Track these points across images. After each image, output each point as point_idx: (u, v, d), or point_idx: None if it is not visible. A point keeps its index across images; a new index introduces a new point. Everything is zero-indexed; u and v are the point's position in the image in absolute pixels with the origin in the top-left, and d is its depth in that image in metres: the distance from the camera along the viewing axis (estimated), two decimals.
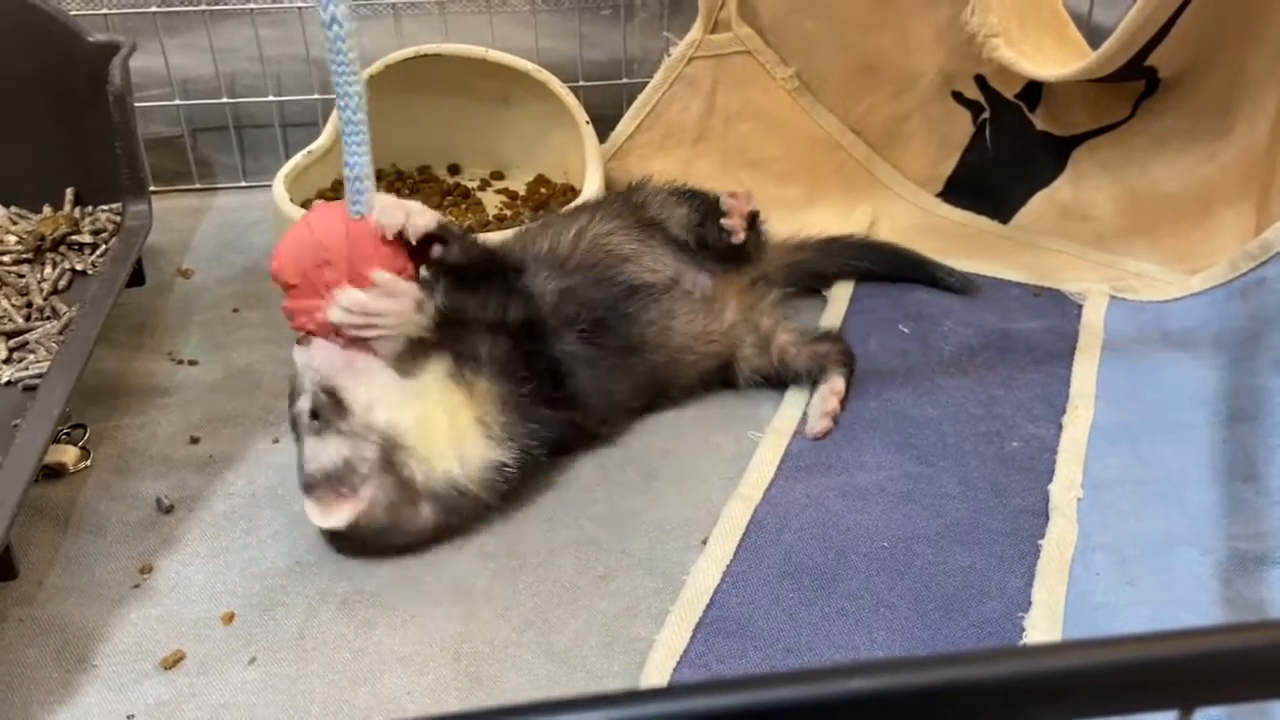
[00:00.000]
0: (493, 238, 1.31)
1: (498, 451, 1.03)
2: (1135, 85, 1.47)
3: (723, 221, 1.23)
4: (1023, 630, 0.94)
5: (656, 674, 0.90)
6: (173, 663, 0.92)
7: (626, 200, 1.32)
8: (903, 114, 1.66)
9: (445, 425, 1.01)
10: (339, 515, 0.95)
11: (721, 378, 1.26)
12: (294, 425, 1.02)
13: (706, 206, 1.28)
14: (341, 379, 0.98)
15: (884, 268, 1.45)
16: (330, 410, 0.97)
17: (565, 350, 1.10)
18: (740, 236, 1.23)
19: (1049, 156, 1.58)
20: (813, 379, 1.23)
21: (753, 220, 1.27)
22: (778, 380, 1.24)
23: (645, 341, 1.17)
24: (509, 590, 1.00)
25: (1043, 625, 0.93)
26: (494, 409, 1.03)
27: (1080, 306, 1.39)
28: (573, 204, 1.40)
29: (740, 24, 1.62)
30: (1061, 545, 1.02)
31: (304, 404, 0.99)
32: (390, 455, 0.98)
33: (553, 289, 1.13)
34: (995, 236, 1.58)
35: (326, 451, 0.97)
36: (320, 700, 0.89)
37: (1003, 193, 1.61)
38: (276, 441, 1.19)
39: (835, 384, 1.20)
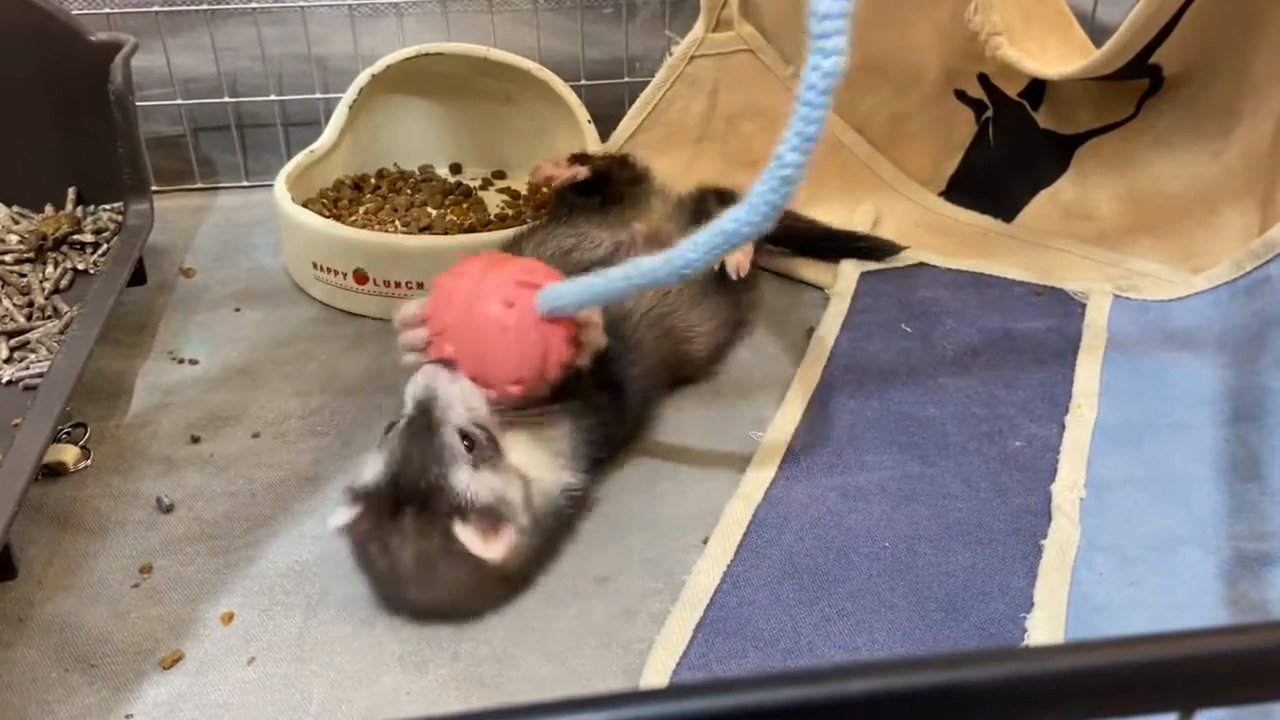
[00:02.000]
0: (492, 238, 1.33)
1: (571, 476, 1.05)
2: (1139, 84, 1.47)
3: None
4: (1025, 631, 0.93)
5: (656, 675, 0.89)
6: (172, 662, 0.92)
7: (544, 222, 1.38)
8: (905, 113, 1.65)
9: (544, 459, 1.04)
10: (497, 548, 0.94)
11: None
12: (393, 430, 0.99)
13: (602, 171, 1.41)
14: (489, 420, 0.99)
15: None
16: (486, 447, 0.97)
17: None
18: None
19: (1052, 155, 1.57)
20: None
21: (621, 163, 1.43)
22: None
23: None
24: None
25: (1045, 626, 0.93)
26: (564, 437, 1.06)
27: (1083, 305, 1.38)
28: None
29: (742, 22, 1.62)
30: (1064, 545, 1.01)
31: (452, 436, 0.96)
32: (528, 492, 0.99)
33: None
34: (998, 235, 1.58)
35: (485, 485, 0.96)
36: (319, 700, 0.89)
37: (1006, 191, 1.60)
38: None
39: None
